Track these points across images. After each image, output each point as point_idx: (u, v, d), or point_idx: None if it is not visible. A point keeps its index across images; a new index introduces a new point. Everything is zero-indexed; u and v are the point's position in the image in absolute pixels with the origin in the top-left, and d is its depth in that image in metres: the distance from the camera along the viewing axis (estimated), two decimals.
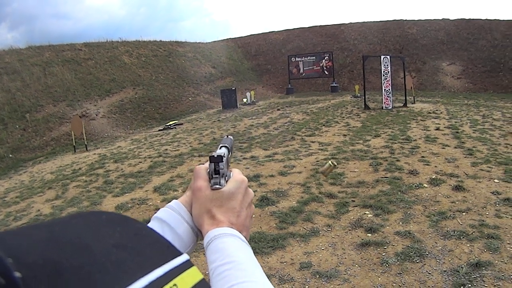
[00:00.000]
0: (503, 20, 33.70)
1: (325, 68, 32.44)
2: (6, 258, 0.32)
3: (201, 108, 27.56)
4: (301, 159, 10.10)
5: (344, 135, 12.93)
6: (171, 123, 21.61)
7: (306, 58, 33.33)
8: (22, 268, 0.33)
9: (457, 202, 6.73)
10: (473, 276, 4.41)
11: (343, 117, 17.02)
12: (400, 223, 5.94)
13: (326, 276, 4.60)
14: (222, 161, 0.84)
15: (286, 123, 16.54)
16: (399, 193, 7.24)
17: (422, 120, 15.27)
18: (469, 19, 34.90)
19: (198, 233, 0.82)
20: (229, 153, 0.96)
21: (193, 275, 0.48)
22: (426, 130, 13.19)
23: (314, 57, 33.16)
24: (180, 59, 34.11)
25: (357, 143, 11.59)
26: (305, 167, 9.32)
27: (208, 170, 0.85)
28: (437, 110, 18.12)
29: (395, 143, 11.18)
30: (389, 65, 19.21)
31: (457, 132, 12.71)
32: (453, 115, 16.73)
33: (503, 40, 31.21)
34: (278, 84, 34.61)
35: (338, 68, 33.38)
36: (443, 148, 10.54)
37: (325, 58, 32.46)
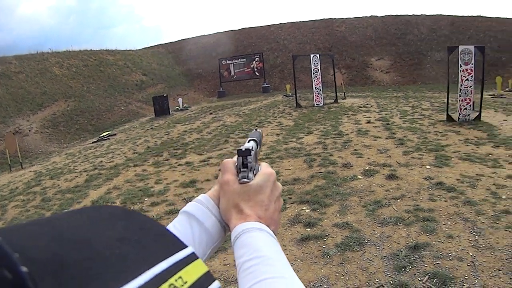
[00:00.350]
0: (429, 15, 35.40)
1: (256, 69, 32.67)
2: (13, 253, 0.32)
3: (133, 117, 27.12)
4: None
5: (277, 135, 13.00)
6: (104, 134, 21.10)
7: (236, 61, 33.44)
8: (28, 263, 0.32)
9: (391, 190, 6.93)
10: (412, 258, 4.55)
11: (276, 117, 17.15)
12: (338, 215, 6.02)
13: None
14: (250, 155, 0.83)
15: (219, 126, 16.49)
16: (334, 186, 7.35)
17: (353, 115, 15.66)
18: (397, 15, 36.32)
19: (226, 227, 0.82)
20: (257, 147, 0.96)
21: (198, 267, 0.47)
22: (358, 124, 13.53)
23: (244, 59, 33.32)
24: (111, 68, 33.43)
25: (290, 141, 11.70)
26: None
27: (236, 163, 0.84)
28: (367, 104, 18.67)
29: (328, 138, 11.39)
30: (319, 63, 19.53)
31: (387, 124, 13.15)
32: (383, 108, 17.29)
33: (429, 34, 32.69)
34: (210, 88, 34.55)
35: (269, 69, 33.70)
36: (375, 140, 10.85)
37: (256, 60, 32.70)
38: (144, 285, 0.39)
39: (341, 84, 22.19)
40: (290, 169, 8.79)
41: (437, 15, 35.67)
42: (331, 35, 35.22)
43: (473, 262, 4.62)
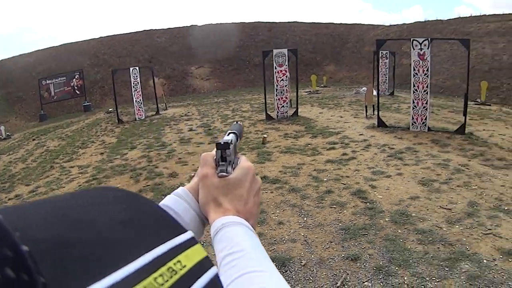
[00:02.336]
0: (248, 22, 37.39)
1: (76, 87, 31.28)
2: (14, 232, 0.33)
3: None
4: (64, 187, 9.79)
5: (102, 153, 12.83)
6: None
7: (56, 80, 31.51)
8: (28, 242, 0.33)
9: None
10: None
11: (98, 136, 16.82)
12: None
13: None
14: (229, 148, 0.85)
15: (43, 153, 15.69)
16: (162, 197, 7.47)
17: (175, 124, 16.09)
18: (216, 23, 37.53)
19: (205, 221, 0.83)
20: (237, 140, 0.98)
21: (197, 252, 0.48)
22: (180, 133, 13.98)
23: (64, 78, 31.59)
24: None
25: (115, 158, 11.65)
26: None
27: (215, 157, 0.86)
28: (189, 113, 19.26)
29: (152, 151, 11.65)
30: (139, 76, 19.52)
31: (209, 129, 13.87)
32: (205, 114, 18.03)
33: (248, 40, 34.51)
34: (31, 112, 32.27)
35: (89, 86, 32.57)
36: (198, 146, 11.45)
37: (76, 77, 31.28)
38: (143, 267, 0.40)
39: (162, 95, 22.44)
40: (117, 187, 8.78)
41: (256, 22, 38.02)
42: (151, 47, 35.25)
43: (306, 241, 5.34)
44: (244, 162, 0.88)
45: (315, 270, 4.86)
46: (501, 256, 5.22)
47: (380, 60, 21.94)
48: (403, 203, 6.90)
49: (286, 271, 4.85)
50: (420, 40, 11.94)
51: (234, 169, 0.85)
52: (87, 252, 0.37)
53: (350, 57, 34.80)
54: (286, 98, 15.24)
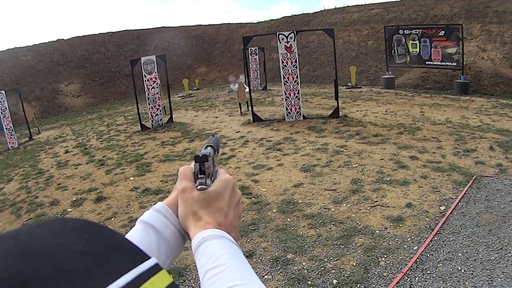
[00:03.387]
0: (116, 31, 36.42)
1: None
2: None
3: None
4: None
5: None
6: None
7: None
8: None
9: (103, 212, 7.47)
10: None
11: None
12: None
13: None
14: (208, 161, 0.84)
15: None
16: None
17: (50, 148, 15.41)
18: (83, 35, 36.06)
19: (185, 236, 0.84)
20: (215, 153, 0.96)
21: (162, 278, 0.48)
22: (56, 156, 13.46)
23: None
24: None
25: None
26: None
27: (194, 170, 0.86)
28: (63, 134, 18.54)
29: (29, 180, 11.07)
30: (5, 101, 18.37)
31: (85, 149, 13.54)
32: (79, 134, 17.49)
33: (117, 50, 33.69)
34: None
35: None
36: (76, 168, 11.13)
37: None
38: None
39: (33, 118, 21.44)
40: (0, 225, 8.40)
41: (123, 31, 37.17)
42: (17, 66, 33.11)
43: None
44: (223, 174, 0.89)
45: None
46: (391, 224, 5.75)
47: (250, 57, 22.66)
48: (288, 192, 7.25)
49: (184, 281, 4.92)
50: (286, 33, 12.50)
51: (213, 181, 0.86)
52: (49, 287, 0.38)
53: (221, 57, 35.39)
54: (159, 105, 15.26)
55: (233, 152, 10.24)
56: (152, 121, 14.98)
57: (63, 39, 36.32)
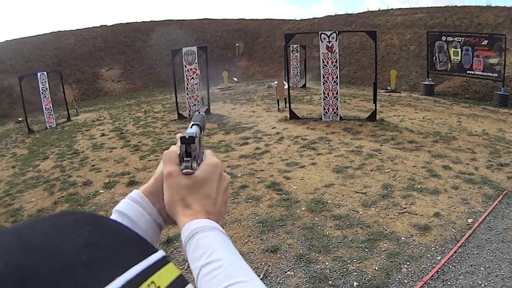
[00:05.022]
0: (158, 20, 37.09)
1: None
2: None
3: None
4: None
5: (13, 167, 12.38)
6: None
7: None
8: None
9: None
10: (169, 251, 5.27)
11: (9, 148, 16.15)
12: None
13: None
14: (194, 142, 0.79)
15: None
16: (78, 207, 7.58)
17: (87, 130, 15.77)
18: (127, 23, 36.63)
19: (161, 225, 0.82)
20: (201, 132, 0.91)
21: (170, 271, 0.48)
22: (92, 139, 13.75)
23: None
24: None
25: (27, 171, 11.26)
26: None
27: (179, 152, 0.81)
28: (100, 117, 18.93)
29: (65, 160, 11.38)
30: (47, 82, 18.86)
31: (122, 133, 13.78)
32: (117, 118, 17.84)
33: (159, 39, 34.08)
34: None
35: None
36: (111, 151, 11.35)
37: None
38: None
39: (72, 100, 21.87)
40: (32, 201, 8.58)
41: (166, 20, 37.57)
42: (60, 49, 33.87)
43: None
44: (210, 157, 0.84)
45: None
46: (417, 232, 5.71)
47: (291, 54, 22.57)
48: (318, 192, 7.23)
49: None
50: (328, 33, 12.40)
51: (199, 164, 0.81)
52: (51, 281, 0.37)
53: (262, 52, 35.37)
54: (198, 96, 15.38)
55: (268, 147, 10.25)
56: (190, 110, 15.09)
57: (106, 25, 36.93)
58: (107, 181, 8.66)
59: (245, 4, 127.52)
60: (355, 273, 4.86)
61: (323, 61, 12.56)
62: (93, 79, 31.36)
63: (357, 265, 4.99)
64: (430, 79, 20.90)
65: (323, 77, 12.68)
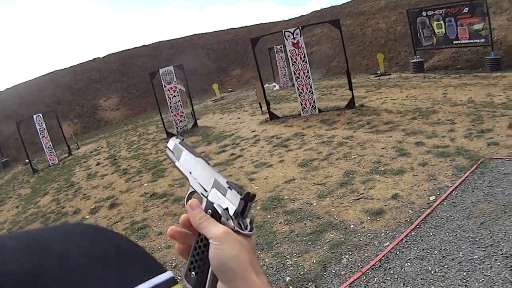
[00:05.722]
0: (149, 44, 38.31)
1: None
2: None
3: None
4: None
5: (17, 207, 13.04)
6: None
7: None
8: (3, 275, 0.35)
9: (113, 217, 8.18)
10: None
11: (15, 190, 16.84)
12: None
13: None
14: (255, 199, 0.72)
15: None
16: None
17: (85, 162, 16.44)
18: (118, 51, 37.53)
19: None
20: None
21: None
22: (88, 169, 14.40)
23: None
24: None
25: (28, 208, 11.82)
26: None
27: (208, 210, 0.73)
28: (98, 147, 19.65)
29: (61, 193, 12.00)
30: (43, 123, 19.60)
31: (114, 159, 14.40)
32: (113, 145, 18.53)
33: (151, 62, 34.82)
34: None
35: (4, 141, 31.55)
36: (102, 178, 11.96)
37: None
38: None
39: (71, 135, 22.64)
40: None
41: (157, 42, 38.55)
42: (57, 88, 34.63)
43: None
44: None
45: (184, 270, 5.61)
46: (368, 218, 5.65)
47: (276, 55, 23.04)
48: (278, 189, 7.51)
49: None
50: (292, 30, 12.84)
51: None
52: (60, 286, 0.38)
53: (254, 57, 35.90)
54: (183, 113, 16.00)
55: (242, 152, 10.66)
56: (177, 127, 15.70)
57: (99, 57, 37.83)
58: (93, 207, 9.24)
59: (239, 14, 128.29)
60: (291, 268, 4.86)
61: (291, 58, 12.92)
62: (92, 111, 32.15)
63: (295, 259, 5.02)
64: (418, 56, 20.98)
65: (294, 73, 13.04)
